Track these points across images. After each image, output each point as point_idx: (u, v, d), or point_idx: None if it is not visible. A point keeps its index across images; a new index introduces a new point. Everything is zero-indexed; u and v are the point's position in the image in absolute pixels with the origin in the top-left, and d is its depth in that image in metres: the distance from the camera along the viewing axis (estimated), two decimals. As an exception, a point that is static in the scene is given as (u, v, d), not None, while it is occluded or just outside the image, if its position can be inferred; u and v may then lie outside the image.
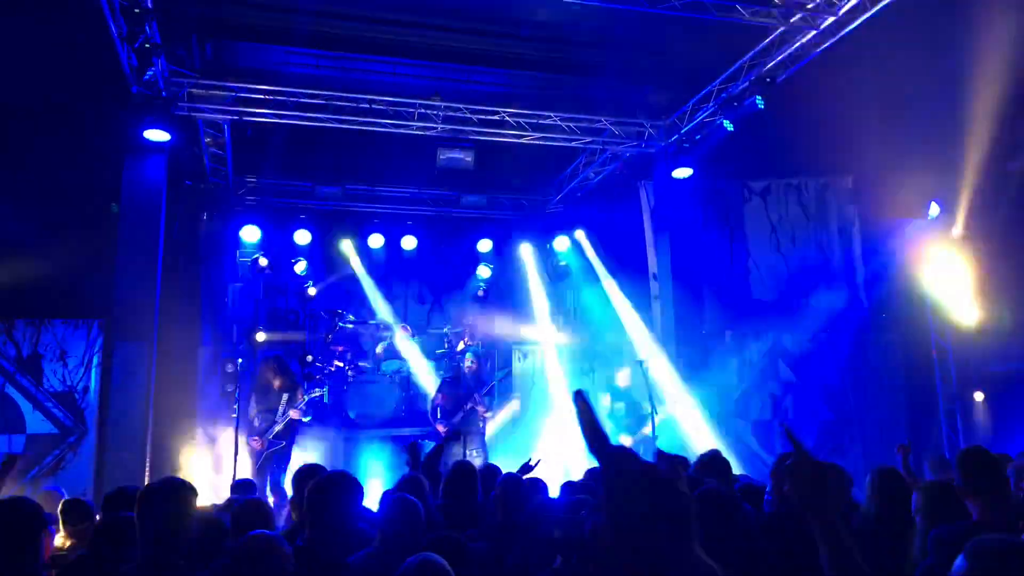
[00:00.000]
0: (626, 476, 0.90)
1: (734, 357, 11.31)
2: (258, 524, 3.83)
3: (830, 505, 1.66)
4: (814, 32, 8.30)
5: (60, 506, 5.12)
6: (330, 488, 3.53)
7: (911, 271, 11.26)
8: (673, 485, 0.93)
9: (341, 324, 11.89)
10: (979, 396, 10.84)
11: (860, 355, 11.31)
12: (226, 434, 9.40)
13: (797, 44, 8.57)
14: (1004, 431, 10.37)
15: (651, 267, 11.74)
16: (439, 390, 10.10)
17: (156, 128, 8.44)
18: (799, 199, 11.66)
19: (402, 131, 9.91)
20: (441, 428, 9.58)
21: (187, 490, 3.39)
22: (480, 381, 10.24)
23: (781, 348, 11.24)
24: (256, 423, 9.23)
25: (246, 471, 8.83)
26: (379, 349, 12.11)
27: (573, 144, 10.85)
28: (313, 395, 9.33)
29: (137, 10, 7.25)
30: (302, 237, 11.94)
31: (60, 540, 4.97)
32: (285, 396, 9.25)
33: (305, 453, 9.75)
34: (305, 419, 9.31)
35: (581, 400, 0.91)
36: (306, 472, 4.86)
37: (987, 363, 10.91)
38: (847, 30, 8.13)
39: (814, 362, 11.18)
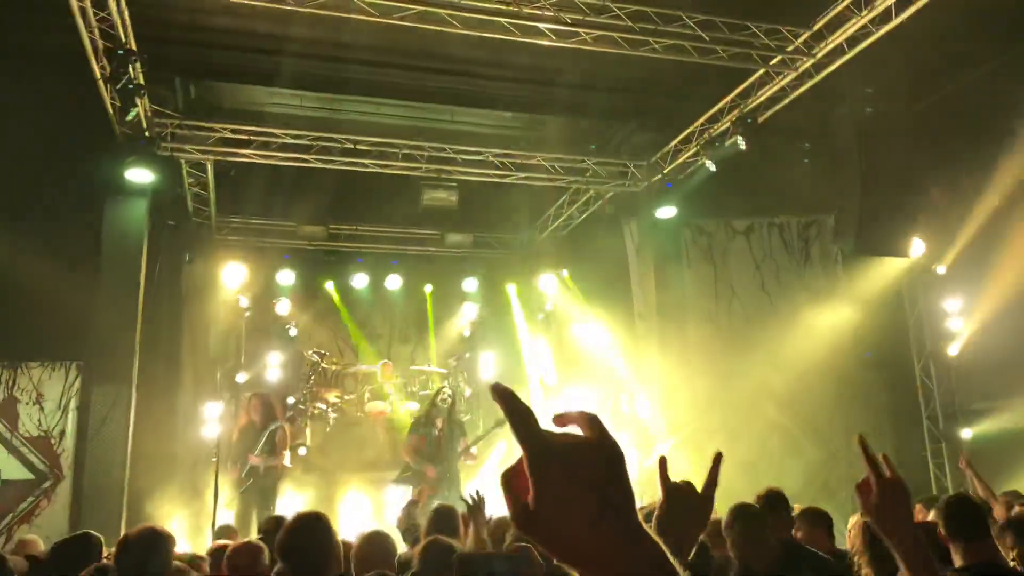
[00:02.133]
0: (546, 448, 0.78)
1: (720, 396, 11.25)
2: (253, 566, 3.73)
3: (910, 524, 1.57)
4: (793, 74, 8.43)
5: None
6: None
7: (895, 309, 11.31)
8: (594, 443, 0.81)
9: (324, 365, 11.76)
10: (965, 433, 10.81)
11: (846, 393, 11.29)
12: (206, 479, 9.21)
13: (777, 86, 8.70)
14: (988, 468, 10.33)
15: (636, 305, 11.73)
16: (411, 430, 9.79)
17: (139, 169, 8.41)
18: (782, 238, 11.72)
19: (386, 171, 9.92)
20: (430, 472, 9.32)
21: (164, 538, 3.32)
22: (459, 427, 9.99)
23: (768, 387, 11.19)
24: (237, 464, 9.11)
25: (226, 516, 8.66)
26: (362, 391, 11.97)
27: (557, 184, 10.90)
28: (297, 445, 9.19)
29: (120, 51, 7.26)
30: (285, 277, 11.86)
31: None
32: (264, 436, 9.13)
33: (287, 497, 9.59)
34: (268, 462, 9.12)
35: (501, 394, 0.79)
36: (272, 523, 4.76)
37: (971, 400, 10.91)
38: (825, 72, 8.28)
39: (800, 401, 11.13)
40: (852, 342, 11.55)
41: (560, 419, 0.83)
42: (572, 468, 0.78)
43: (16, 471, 8.96)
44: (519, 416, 0.80)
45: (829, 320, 11.47)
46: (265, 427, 9.21)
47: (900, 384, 11.50)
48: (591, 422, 0.83)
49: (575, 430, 0.83)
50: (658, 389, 10.91)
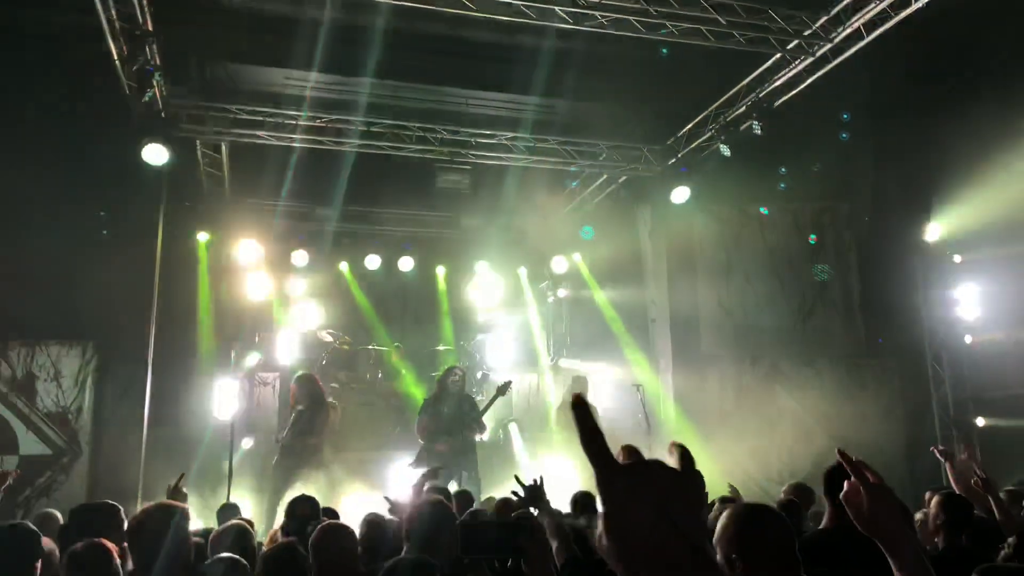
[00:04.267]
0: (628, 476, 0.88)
1: (731, 381, 11.28)
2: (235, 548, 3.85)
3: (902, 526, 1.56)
4: (810, 59, 8.37)
5: None
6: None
7: (908, 295, 11.27)
8: (685, 475, 0.91)
9: (337, 345, 11.84)
10: (978, 422, 10.79)
11: (856, 380, 11.28)
12: (221, 456, 9.30)
13: (793, 71, 8.64)
14: (1002, 457, 10.32)
15: (649, 289, 11.75)
16: (422, 411, 9.79)
17: (154, 149, 8.45)
18: (796, 224, 11.68)
19: (401, 153, 9.94)
20: (441, 447, 9.31)
21: (179, 513, 3.36)
22: (468, 400, 9.95)
23: (778, 372, 11.21)
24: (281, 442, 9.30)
25: (239, 495, 8.77)
26: (375, 371, 12.06)
27: (571, 168, 10.88)
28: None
29: (137, 32, 7.29)
30: (299, 258, 11.92)
31: None
32: (294, 415, 9.23)
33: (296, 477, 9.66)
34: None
35: (580, 407, 0.89)
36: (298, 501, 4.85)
37: (984, 388, 10.88)
38: (842, 57, 8.21)
39: (811, 387, 11.14)
40: (864, 328, 11.55)
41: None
42: (633, 482, 0.87)
43: (34, 446, 9.11)
44: (591, 434, 0.89)
45: (841, 306, 11.46)
46: (312, 408, 9.29)
47: (911, 371, 11.47)
48: (682, 454, 0.93)
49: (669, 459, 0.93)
50: (669, 373, 10.94)
